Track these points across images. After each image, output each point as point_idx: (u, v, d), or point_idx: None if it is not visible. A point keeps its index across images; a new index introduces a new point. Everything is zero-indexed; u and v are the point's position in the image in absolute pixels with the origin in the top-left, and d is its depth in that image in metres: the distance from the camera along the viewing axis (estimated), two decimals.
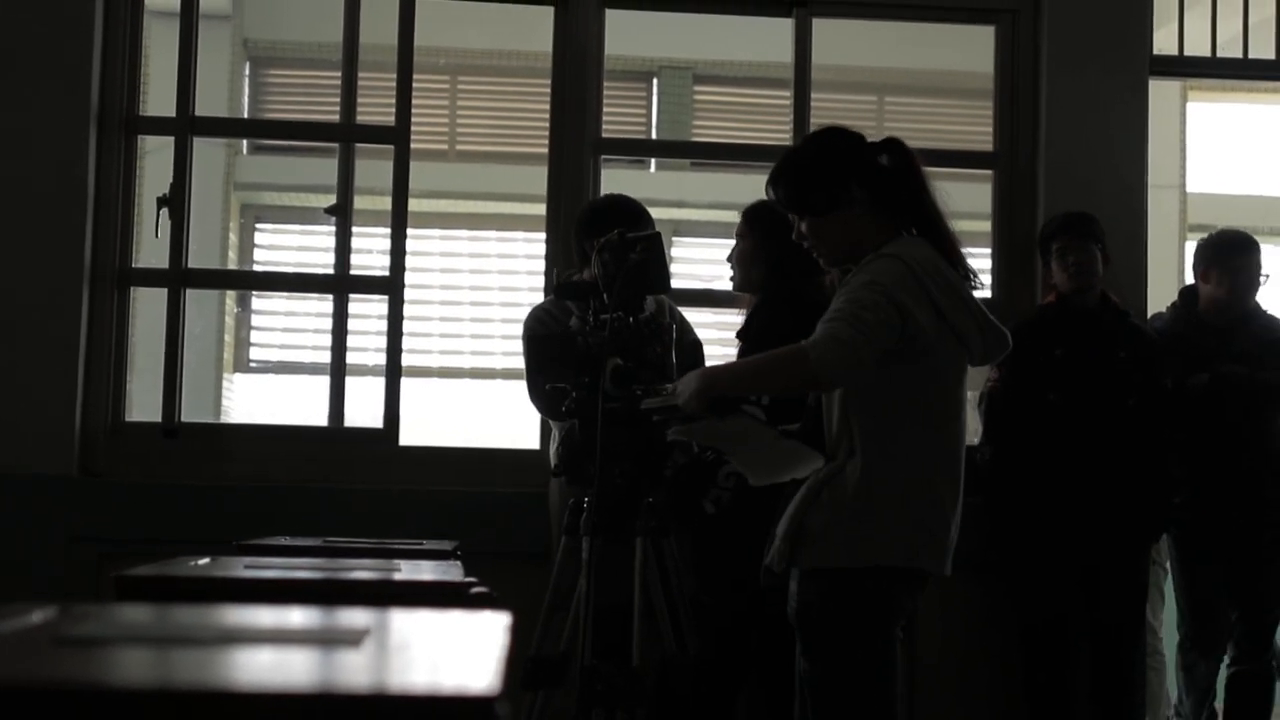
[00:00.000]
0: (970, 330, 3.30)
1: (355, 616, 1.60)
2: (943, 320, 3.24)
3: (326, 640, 1.45)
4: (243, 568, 2.69)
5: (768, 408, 3.92)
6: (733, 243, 4.42)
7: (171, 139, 5.16)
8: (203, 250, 6.71)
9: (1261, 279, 5.24)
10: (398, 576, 2.66)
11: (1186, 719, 5.31)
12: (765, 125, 7.94)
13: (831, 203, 3.34)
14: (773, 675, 3.97)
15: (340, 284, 5.21)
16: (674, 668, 3.99)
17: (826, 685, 3.31)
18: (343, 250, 5.19)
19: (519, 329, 4.57)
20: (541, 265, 5.29)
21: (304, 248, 9.00)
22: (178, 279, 5.10)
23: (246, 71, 8.71)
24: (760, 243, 4.26)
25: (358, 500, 4.90)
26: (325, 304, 5.39)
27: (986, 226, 5.43)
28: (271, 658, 1.33)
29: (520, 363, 4.53)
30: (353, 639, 1.42)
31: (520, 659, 3.93)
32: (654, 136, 8.97)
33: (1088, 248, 4.89)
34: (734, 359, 4.12)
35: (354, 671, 1.26)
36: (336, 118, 5.26)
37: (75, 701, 1.12)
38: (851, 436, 3.27)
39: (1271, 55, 5.76)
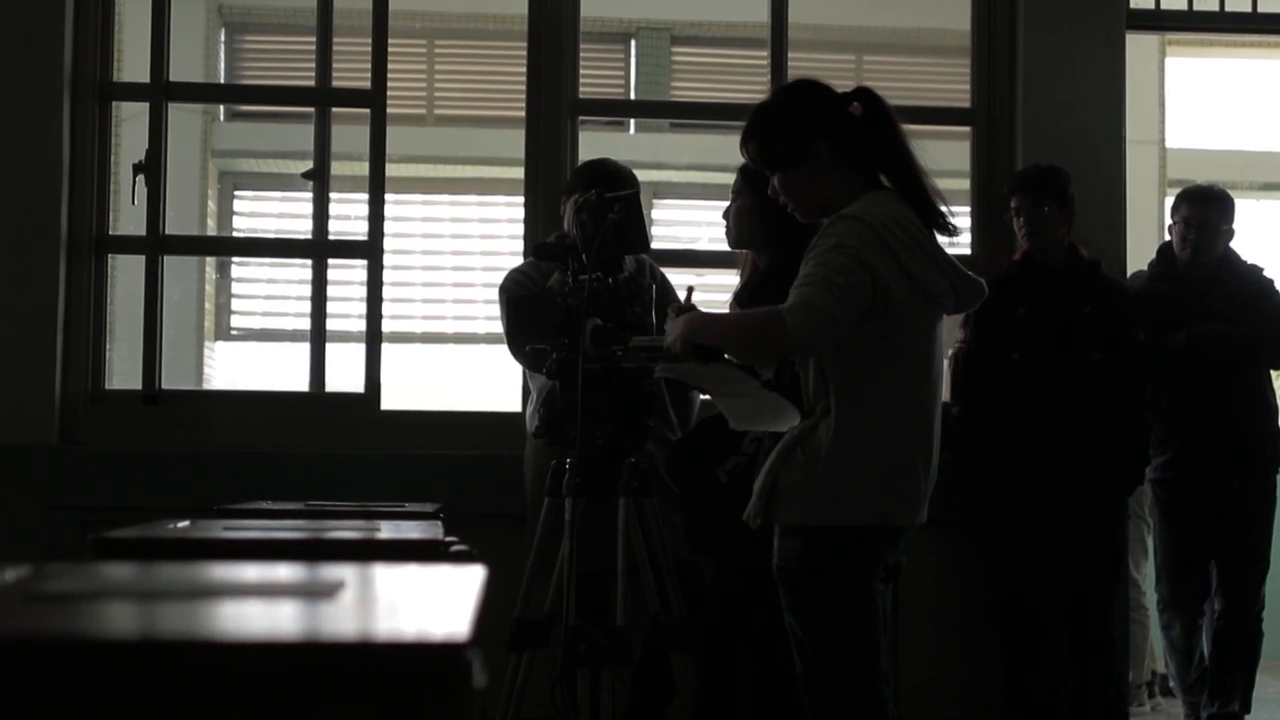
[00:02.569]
0: (940, 287, 3.29)
1: (332, 571, 1.60)
2: (911, 280, 3.24)
3: (302, 592, 1.45)
4: (222, 529, 2.69)
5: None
6: (721, 202, 4.40)
7: (147, 106, 5.13)
8: (181, 218, 6.68)
9: (1223, 231, 5.26)
10: (377, 536, 2.67)
11: (1175, 680, 5.34)
12: (743, 85, 7.91)
13: (797, 156, 3.34)
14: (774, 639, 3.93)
15: (319, 249, 5.20)
16: (659, 628, 4.00)
17: (811, 637, 3.32)
18: (321, 215, 5.18)
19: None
20: (521, 229, 5.28)
21: (283, 214, 8.97)
22: (155, 246, 5.08)
23: (222, 37, 8.67)
24: (757, 200, 4.22)
25: (340, 465, 4.90)
26: (305, 270, 5.38)
27: (965, 184, 5.43)
28: (245, 609, 1.33)
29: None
30: (328, 591, 1.42)
31: (504, 621, 3.95)
32: (632, 98, 8.95)
33: (1039, 207, 4.87)
34: None
35: (328, 620, 1.26)
36: (312, 83, 5.24)
37: (51, 654, 1.12)
38: (827, 394, 3.27)
39: (1248, 8, 5.77)
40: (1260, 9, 5.77)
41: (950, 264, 3.33)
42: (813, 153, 3.33)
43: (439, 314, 9.30)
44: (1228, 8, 5.77)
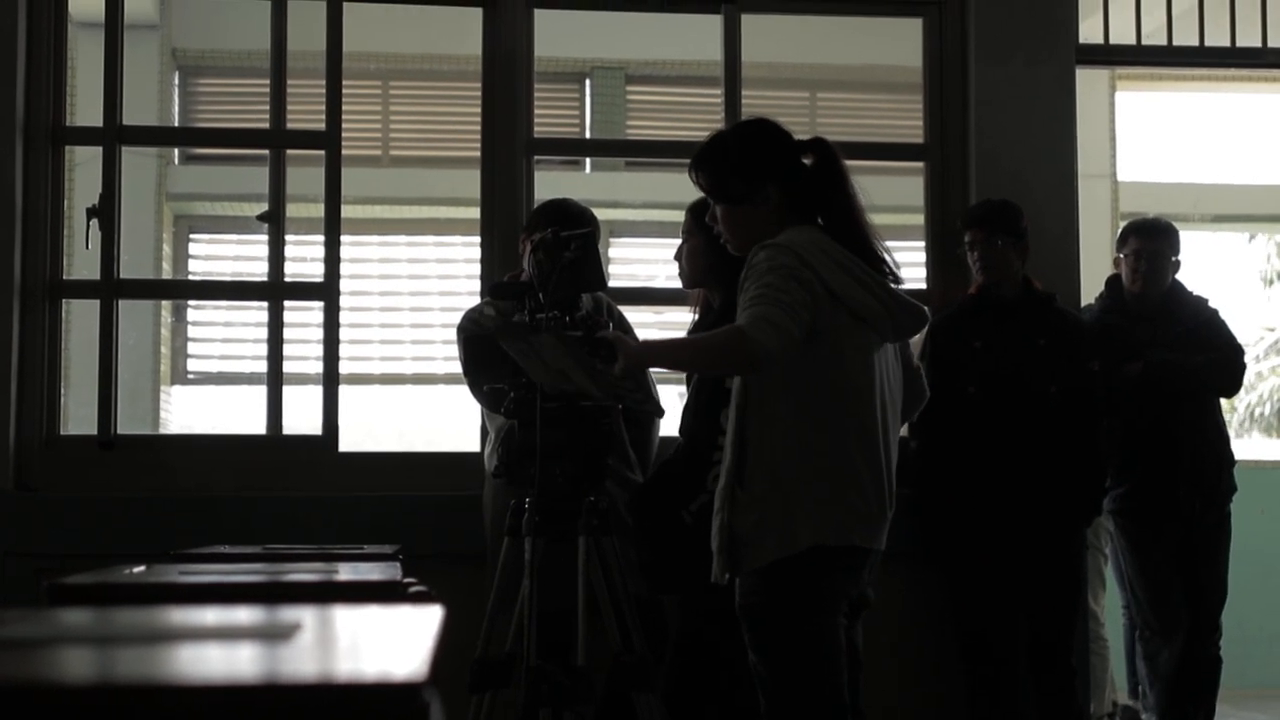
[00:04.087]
0: (871, 307, 3.31)
1: (289, 613, 1.60)
2: (837, 301, 3.27)
3: (258, 635, 1.44)
4: (178, 574, 2.68)
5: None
6: (676, 241, 4.42)
7: (100, 150, 5.12)
8: (136, 262, 6.67)
9: (1172, 263, 5.32)
10: (335, 578, 2.66)
11: (1151, 708, 5.34)
12: (698, 123, 7.95)
13: (745, 196, 3.38)
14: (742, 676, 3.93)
15: (275, 291, 5.19)
16: (621, 667, 3.99)
17: (773, 674, 3.33)
18: (276, 258, 5.18)
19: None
20: (479, 269, 5.28)
21: (239, 257, 8.95)
22: (110, 290, 5.06)
23: (176, 81, 8.65)
24: (708, 239, 4.24)
25: (298, 508, 4.87)
26: (261, 313, 5.37)
27: (919, 219, 5.47)
28: (201, 653, 1.33)
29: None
30: (285, 633, 1.41)
31: (465, 662, 3.93)
32: (588, 137, 8.97)
33: (993, 241, 4.90)
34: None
35: (284, 663, 1.25)
36: (267, 125, 5.24)
37: (8, 701, 1.11)
38: (744, 425, 3.30)
39: (1196, 43, 5.83)
40: (1207, 43, 5.84)
41: (884, 288, 3.35)
42: (761, 196, 3.37)
43: (397, 355, 9.28)
44: (1176, 42, 5.84)
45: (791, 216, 3.39)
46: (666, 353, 3.50)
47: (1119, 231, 5.45)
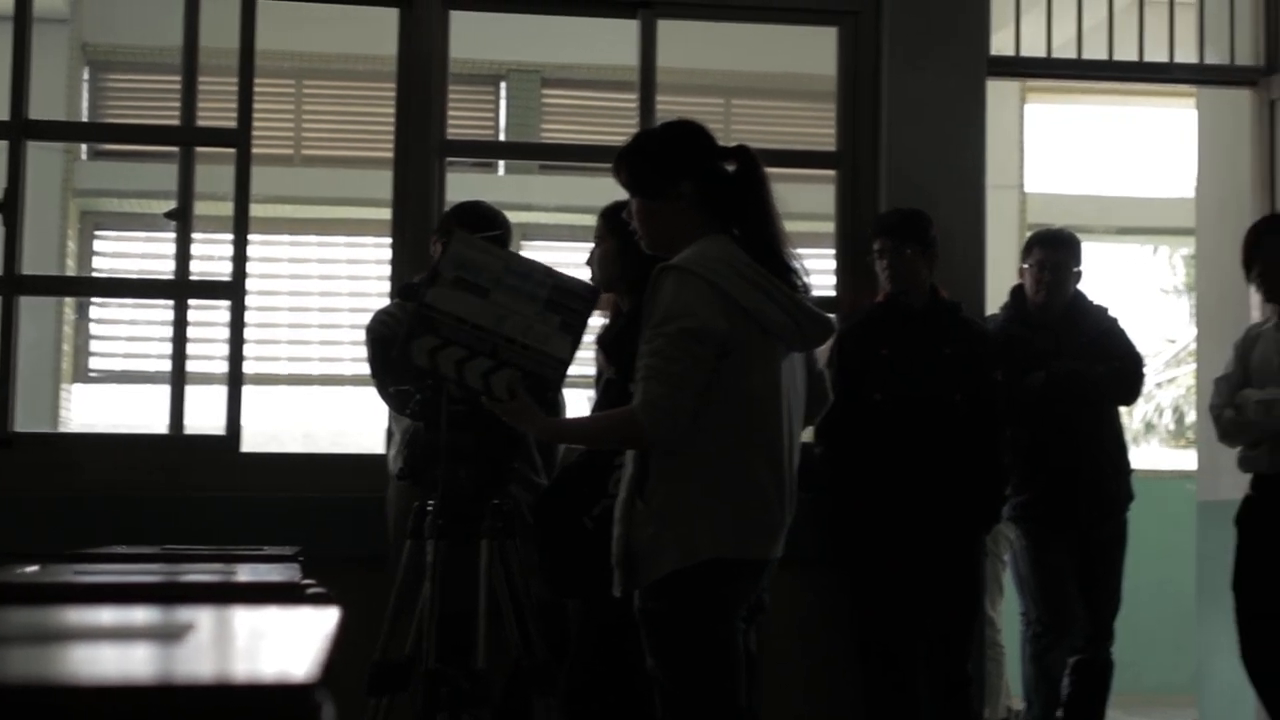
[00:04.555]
0: (780, 322, 3.34)
1: (182, 614, 1.57)
2: (745, 314, 3.29)
3: (150, 635, 1.42)
4: (73, 574, 2.64)
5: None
6: (589, 245, 4.41)
7: (5, 144, 5.05)
8: (40, 258, 6.56)
9: (1075, 273, 5.38)
10: (233, 579, 2.63)
11: (1038, 714, 5.38)
12: (613, 128, 7.95)
13: (661, 190, 3.40)
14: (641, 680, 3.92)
15: (180, 289, 5.14)
16: (521, 671, 3.97)
17: (671, 679, 3.33)
18: (183, 255, 5.12)
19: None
20: (389, 270, 5.25)
21: (147, 255, 8.83)
22: (10, 286, 4.99)
23: (85, 76, 8.53)
24: (620, 243, 4.24)
25: (200, 509, 4.82)
26: (167, 311, 5.31)
27: (830, 226, 5.50)
28: (90, 653, 1.30)
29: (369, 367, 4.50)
30: (177, 634, 1.39)
31: (364, 664, 3.90)
32: (502, 140, 8.94)
33: (901, 250, 4.94)
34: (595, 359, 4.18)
35: (174, 663, 1.24)
36: (177, 122, 5.19)
37: None
38: None
39: (1105, 56, 5.91)
40: (1116, 58, 5.92)
41: (792, 301, 3.37)
42: (676, 191, 3.39)
43: (305, 355, 9.20)
44: (1085, 55, 5.92)
45: (707, 220, 3.40)
46: (566, 434, 3.58)
47: (1024, 242, 5.50)
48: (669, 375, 3.24)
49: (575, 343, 3.47)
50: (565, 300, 3.46)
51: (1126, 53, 5.92)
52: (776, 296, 3.35)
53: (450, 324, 3.45)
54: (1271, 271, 4.96)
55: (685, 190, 3.40)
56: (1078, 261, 5.41)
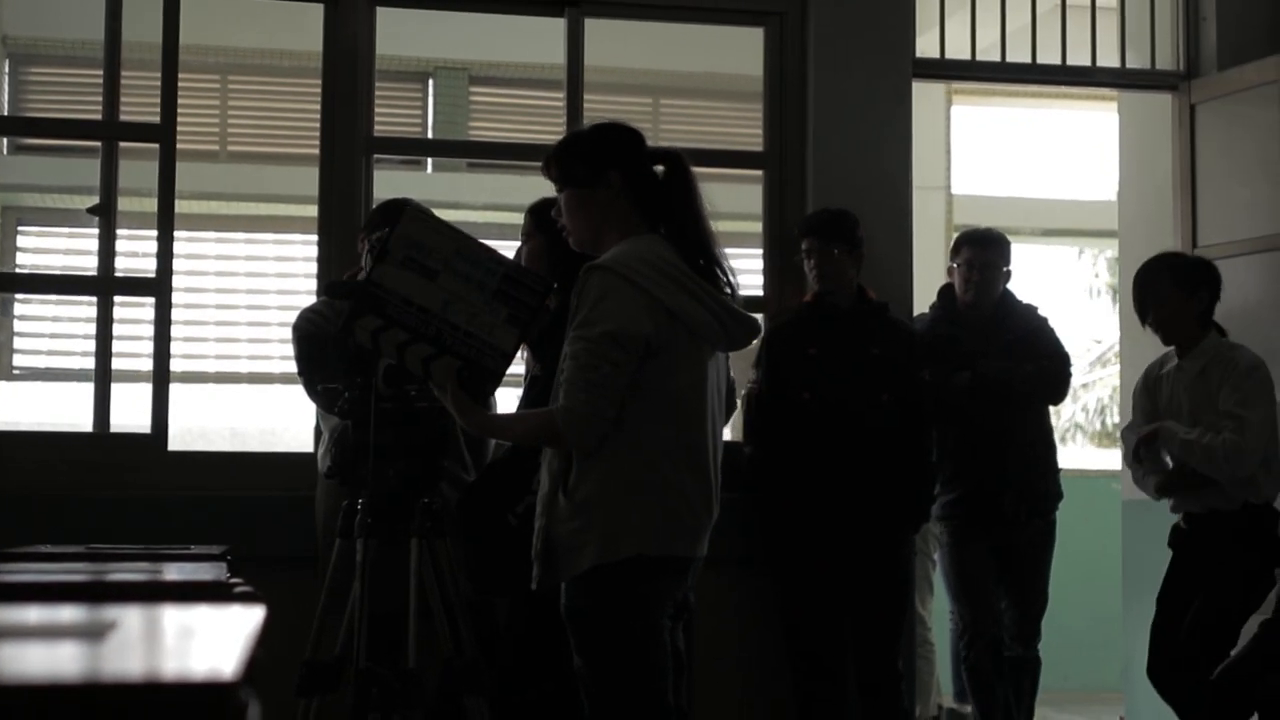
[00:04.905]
0: (704, 320, 3.36)
1: (105, 612, 1.57)
2: (671, 316, 3.31)
3: (72, 634, 1.42)
4: None
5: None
6: (516, 243, 4.41)
7: None
8: None
9: (1003, 273, 5.41)
10: (158, 578, 2.61)
11: (978, 713, 5.42)
12: (540, 126, 7.96)
13: (590, 179, 3.41)
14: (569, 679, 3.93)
15: (105, 286, 5.09)
16: (452, 670, 3.96)
17: (598, 677, 3.34)
18: (107, 252, 5.08)
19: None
20: (316, 268, 5.22)
21: (71, 251, 8.75)
22: None
23: (6, 69, 8.44)
24: (547, 241, 4.24)
25: (125, 508, 4.78)
26: (91, 308, 5.26)
27: (757, 226, 5.53)
28: (8, 651, 1.29)
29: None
30: (99, 632, 1.39)
31: (294, 664, 3.88)
32: (429, 137, 8.92)
33: (828, 250, 4.97)
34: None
35: (96, 662, 1.23)
36: (100, 117, 5.14)
37: None
38: None
39: (1028, 59, 5.97)
40: (1039, 61, 5.99)
41: (718, 302, 3.39)
42: (605, 181, 3.40)
43: (233, 353, 9.14)
44: (1009, 59, 5.98)
45: (636, 216, 3.42)
46: (490, 429, 3.63)
47: (952, 242, 5.54)
48: (588, 382, 3.26)
49: (521, 336, 3.44)
50: (515, 292, 3.42)
51: (1049, 56, 5.99)
52: (703, 298, 3.37)
53: (396, 304, 3.40)
54: (1166, 318, 5.01)
55: (614, 181, 3.42)
56: (1006, 261, 5.45)
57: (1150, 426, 4.97)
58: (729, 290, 3.45)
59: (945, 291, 5.52)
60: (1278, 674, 4.59)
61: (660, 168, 3.49)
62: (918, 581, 5.85)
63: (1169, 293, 4.96)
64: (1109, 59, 6.12)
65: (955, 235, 5.87)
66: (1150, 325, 5.01)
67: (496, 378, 3.46)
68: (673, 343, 3.33)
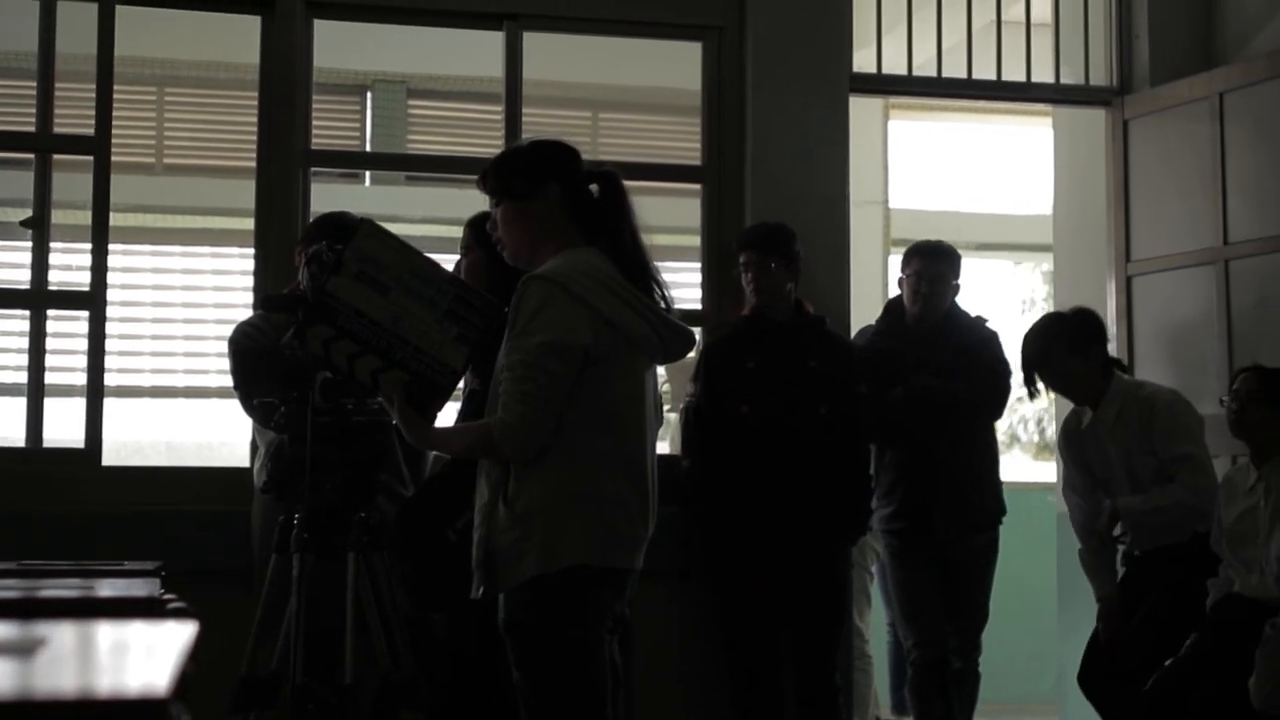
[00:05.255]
0: (642, 332, 3.38)
1: (35, 629, 1.55)
2: (611, 327, 3.32)
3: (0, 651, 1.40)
4: None
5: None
6: (455, 256, 4.40)
7: None
8: None
9: (952, 286, 5.42)
10: (91, 594, 2.59)
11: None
12: (479, 140, 7.93)
13: (527, 192, 3.42)
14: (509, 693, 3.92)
15: (38, 299, 5.05)
16: (389, 685, 3.94)
17: (537, 692, 3.34)
18: (40, 265, 5.03)
19: None
20: (253, 281, 5.19)
21: (3, 264, 8.64)
22: None
23: None
24: (486, 255, 4.23)
25: (58, 523, 4.73)
26: (24, 322, 5.21)
27: (696, 240, 5.54)
28: None
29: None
30: (28, 649, 1.37)
31: (230, 681, 3.85)
32: (367, 150, 8.89)
33: (765, 263, 4.98)
34: None
35: (24, 679, 1.22)
36: (33, 128, 5.10)
37: None
38: None
39: (964, 74, 6.02)
40: (975, 76, 6.03)
41: (655, 314, 3.41)
42: (543, 194, 3.41)
43: (169, 368, 9.06)
44: (945, 74, 6.02)
45: (569, 227, 3.43)
46: (432, 441, 3.57)
47: (904, 253, 5.53)
48: (524, 394, 3.26)
49: (470, 356, 3.45)
50: (465, 313, 3.43)
51: (985, 72, 6.04)
52: (640, 309, 3.38)
53: (348, 315, 3.41)
54: (1073, 385, 5.07)
55: (552, 193, 3.43)
56: (956, 274, 5.41)
57: (1105, 513, 5.03)
58: (664, 304, 3.46)
59: (893, 304, 5.52)
60: (1212, 682, 4.63)
61: (595, 186, 3.50)
62: (855, 595, 5.87)
63: (1068, 363, 5.04)
64: (1044, 75, 6.18)
65: (891, 250, 5.89)
66: (1054, 391, 5.11)
67: (444, 394, 3.47)
68: (612, 353, 3.34)
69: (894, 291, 5.59)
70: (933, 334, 5.35)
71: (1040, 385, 5.15)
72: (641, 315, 3.38)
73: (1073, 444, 5.18)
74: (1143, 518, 4.98)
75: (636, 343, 3.38)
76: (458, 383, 3.48)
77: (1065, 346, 5.04)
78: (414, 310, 3.41)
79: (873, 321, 5.59)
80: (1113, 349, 6.11)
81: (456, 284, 3.46)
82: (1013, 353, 5.32)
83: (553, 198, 3.43)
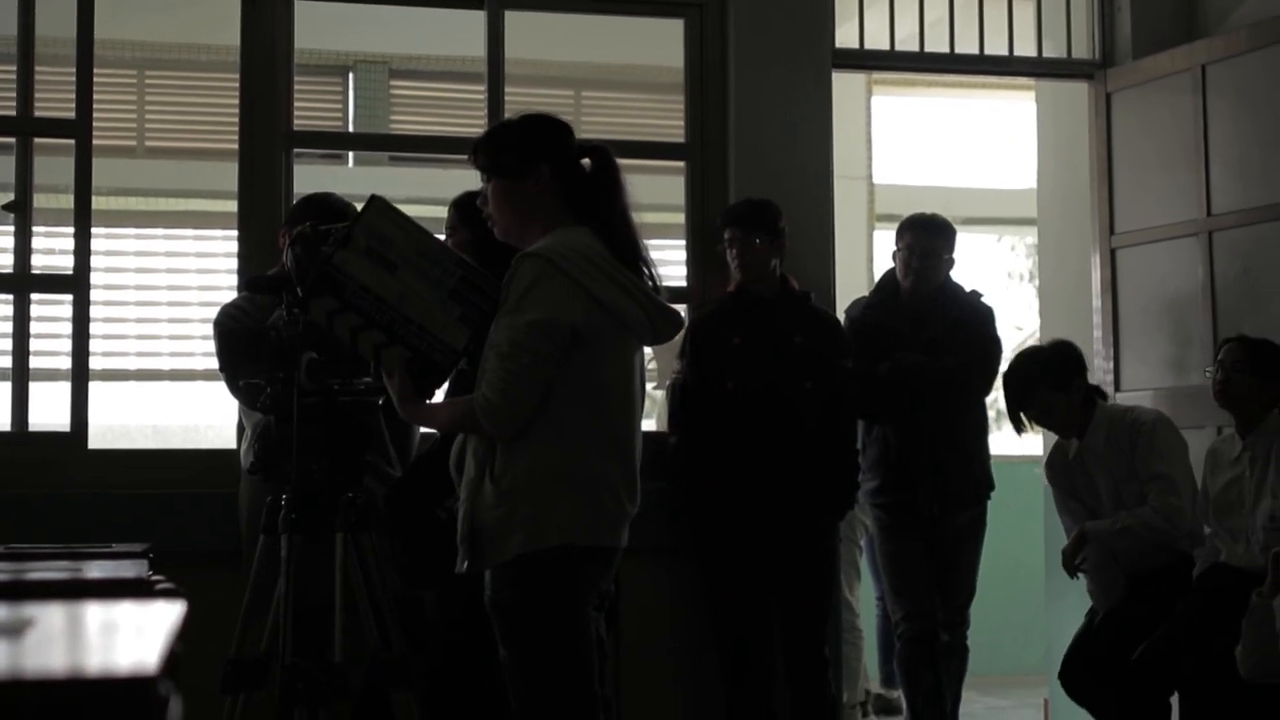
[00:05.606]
0: (633, 314, 3.38)
1: (22, 610, 1.55)
2: (602, 308, 3.32)
3: None
4: None
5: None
6: (441, 237, 4.40)
7: None
8: None
9: (945, 260, 5.39)
10: (79, 576, 2.59)
11: (909, 701, 5.43)
12: (462, 119, 7.93)
13: (519, 171, 3.41)
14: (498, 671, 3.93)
15: (21, 283, 5.04)
16: (379, 665, 3.95)
17: (524, 669, 3.35)
18: (23, 248, 5.02)
19: None
20: (237, 263, 5.19)
21: None
22: None
23: None
24: (472, 235, 4.23)
25: (46, 506, 4.74)
26: (7, 305, 5.21)
27: (680, 217, 5.54)
28: None
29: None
30: (16, 629, 1.38)
31: (220, 662, 3.86)
32: (350, 131, 8.88)
33: (750, 239, 4.98)
34: None
35: (12, 658, 1.22)
36: (13, 112, 5.08)
37: None
38: None
39: (946, 49, 6.02)
40: (957, 50, 6.04)
41: (648, 296, 3.41)
42: (535, 173, 3.41)
43: (155, 350, 9.05)
44: (927, 49, 6.03)
45: (562, 209, 3.42)
46: (420, 415, 3.56)
47: (898, 226, 5.51)
48: (508, 372, 3.27)
49: (472, 337, 3.45)
50: (470, 294, 3.43)
51: (967, 46, 6.04)
52: (632, 290, 3.38)
53: (354, 290, 3.41)
54: (1058, 420, 5.09)
55: (544, 173, 3.42)
56: (949, 249, 5.37)
57: (1072, 537, 5.06)
58: (652, 284, 3.47)
59: (887, 278, 5.51)
60: (1199, 651, 4.65)
61: (587, 161, 3.50)
62: (845, 568, 5.89)
63: (1050, 399, 5.06)
64: (1026, 48, 6.18)
65: (883, 225, 5.88)
66: (1040, 426, 5.11)
67: (444, 373, 3.48)
68: (602, 333, 3.35)
69: (879, 266, 5.59)
70: (925, 308, 5.33)
71: (1026, 421, 5.16)
72: (632, 296, 3.38)
73: (1061, 476, 5.20)
74: (1110, 540, 5.00)
75: (627, 323, 3.39)
76: (458, 363, 3.47)
77: (1048, 386, 5.06)
78: (419, 289, 3.41)
79: (859, 296, 5.59)
80: (1097, 321, 6.14)
81: (463, 265, 3.46)
82: (1004, 328, 5.31)
83: (544, 178, 3.43)
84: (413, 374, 3.42)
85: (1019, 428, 5.20)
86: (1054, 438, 5.26)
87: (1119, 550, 5.02)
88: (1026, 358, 5.24)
